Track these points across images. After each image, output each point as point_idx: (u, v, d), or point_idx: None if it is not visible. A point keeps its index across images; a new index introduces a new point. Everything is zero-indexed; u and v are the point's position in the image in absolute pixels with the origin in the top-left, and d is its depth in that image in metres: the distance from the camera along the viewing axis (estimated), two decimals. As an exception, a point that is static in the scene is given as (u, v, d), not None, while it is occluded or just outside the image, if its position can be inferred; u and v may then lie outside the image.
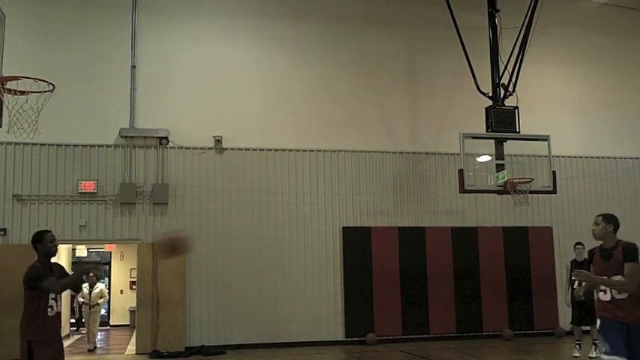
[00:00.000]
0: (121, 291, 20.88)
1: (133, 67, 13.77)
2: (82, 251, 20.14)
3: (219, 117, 14.02)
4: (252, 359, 12.13)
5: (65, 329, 15.67)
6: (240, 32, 14.59)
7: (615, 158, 16.25)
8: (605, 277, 5.74)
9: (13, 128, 7.64)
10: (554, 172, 13.15)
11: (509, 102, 13.31)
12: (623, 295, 5.66)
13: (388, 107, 15.04)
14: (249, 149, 14.16)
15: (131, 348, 14.02)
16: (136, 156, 13.60)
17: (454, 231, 14.81)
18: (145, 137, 13.62)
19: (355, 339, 13.94)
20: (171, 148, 13.77)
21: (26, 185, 13.03)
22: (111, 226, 13.33)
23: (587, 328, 11.34)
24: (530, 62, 13.84)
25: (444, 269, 14.49)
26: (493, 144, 13.30)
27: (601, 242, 5.94)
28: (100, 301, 14.64)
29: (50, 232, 6.12)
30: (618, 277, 5.68)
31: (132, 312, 18.52)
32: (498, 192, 13.28)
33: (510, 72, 13.37)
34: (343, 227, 14.31)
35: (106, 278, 21.36)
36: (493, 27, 13.68)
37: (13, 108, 7.58)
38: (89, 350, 14.00)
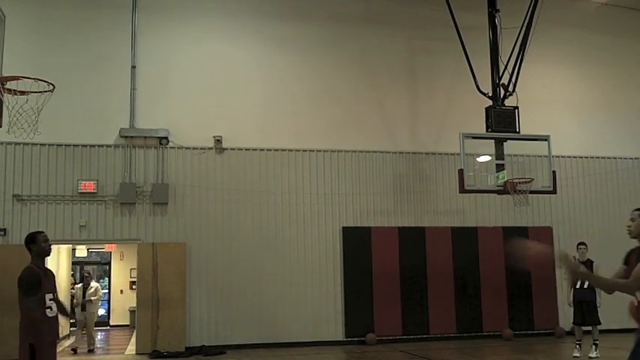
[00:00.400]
0: (121, 291, 20.88)
1: (133, 67, 13.78)
2: (82, 251, 20.14)
3: (219, 117, 14.02)
4: (252, 359, 12.13)
5: (65, 329, 15.64)
6: (240, 32, 14.59)
7: (615, 158, 16.25)
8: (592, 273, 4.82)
9: (13, 128, 7.63)
10: (554, 172, 13.15)
11: (509, 102, 13.31)
12: None
13: (388, 107, 15.04)
14: (249, 149, 14.16)
15: (131, 348, 14.01)
16: (136, 156, 13.60)
17: (454, 231, 14.81)
18: (145, 137, 13.63)
19: (355, 339, 13.94)
20: (171, 148, 13.77)
21: (26, 185, 13.04)
22: (111, 226, 13.33)
23: (588, 328, 11.34)
24: (530, 62, 13.84)
25: (443, 269, 14.49)
26: (493, 144, 13.31)
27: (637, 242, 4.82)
28: (93, 299, 14.21)
29: (43, 232, 6.07)
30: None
31: (132, 312, 18.51)
32: (498, 192, 13.28)
33: (510, 72, 13.37)
34: (343, 227, 14.31)
35: (106, 278, 21.39)
36: (493, 27, 13.68)
37: (13, 108, 7.57)
38: (89, 351, 13.95)
